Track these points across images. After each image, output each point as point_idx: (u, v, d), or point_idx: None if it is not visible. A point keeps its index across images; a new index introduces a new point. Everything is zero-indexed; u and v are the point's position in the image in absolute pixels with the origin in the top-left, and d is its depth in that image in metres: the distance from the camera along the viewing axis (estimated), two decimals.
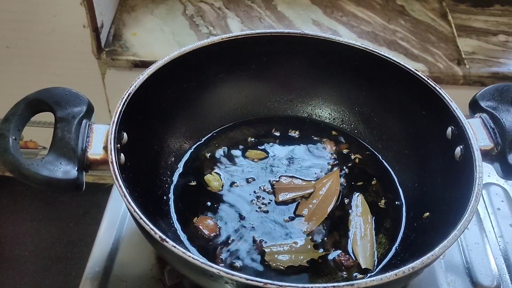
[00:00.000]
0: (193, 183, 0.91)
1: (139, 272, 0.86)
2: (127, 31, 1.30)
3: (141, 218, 0.66)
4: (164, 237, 0.64)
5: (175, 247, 0.63)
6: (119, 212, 0.93)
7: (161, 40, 1.27)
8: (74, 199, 1.40)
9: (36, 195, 1.45)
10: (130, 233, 0.91)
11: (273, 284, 0.59)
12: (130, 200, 0.68)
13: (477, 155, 0.76)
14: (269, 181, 0.92)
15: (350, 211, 0.89)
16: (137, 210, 0.67)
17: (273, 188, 0.91)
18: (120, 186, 0.69)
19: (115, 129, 0.76)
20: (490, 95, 0.86)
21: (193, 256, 0.62)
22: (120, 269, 0.86)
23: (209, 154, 0.96)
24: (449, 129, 0.84)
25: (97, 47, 1.22)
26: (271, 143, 0.99)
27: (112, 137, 0.75)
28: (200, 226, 0.84)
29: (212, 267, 0.61)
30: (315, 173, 0.95)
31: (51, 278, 1.24)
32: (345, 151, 0.99)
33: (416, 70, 0.89)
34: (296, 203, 0.89)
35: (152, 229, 0.65)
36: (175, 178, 0.92)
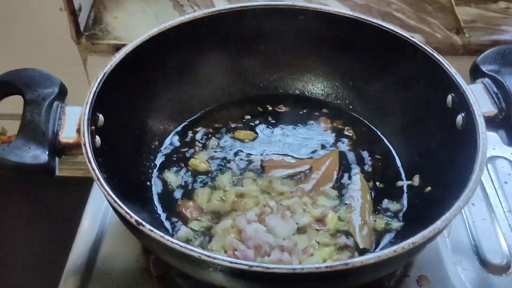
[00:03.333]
0: (178, 167, 0.86)
1: (125, 263, 0.81)
2: (108, 14, 1.25)
3: (115, 201, 0.61)
4: (140, 221, 0.59)
5: (152, 231, 0.58)
6: (102, 203, 0.89)
7: (144, 23, 1.23)
8: (63, 195, 1.36)
9: (23, 191, 1.42)
10: (114, 223, 0.86)
11: (259, 266, 0.54)
12: (104, 183, 0.63)
13: (480, 122, 0.71)
14: (261, 160, 0.87)
15: (348, 189, 0.83)
16: (111, 193, 0.61)
17: (262, 166, 0.86)
18: (93, 168, 0.64)
19: (89, 110, 0.72)
20: (491, 59, 0.81)
21: (172, 240, 0.57)
22: (105, 261, 0.81)
23: (195, 136, 0.91)
24: (449, 97, 0.79)
25: (76, 31, 1.17)
26: (261, 123, 0.94)
27: (86, 118, 0.70)
28: (183, 210, 0.79)
29: (193, 251, 0.56)
30: (309, 151, 0.89)
31: (40, 275, 1.20)
32: (340, 127, 0.94)
33: (412, 36, 0.84)
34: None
35: (127, 213, 0.60)
36: (159, 162, 0.87)
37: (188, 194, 0.83)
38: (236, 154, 0.89)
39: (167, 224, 0.78)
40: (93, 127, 0.71)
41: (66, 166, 1.46)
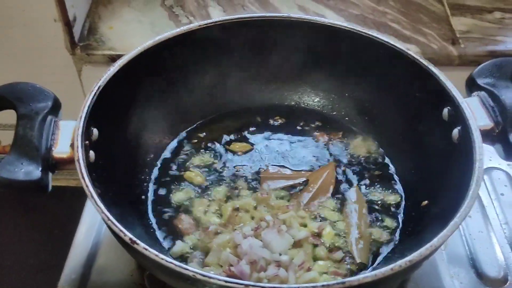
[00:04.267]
0: (173, 180, 0.86)
1: (119, 278, 0.80)
2: (103, 25, 1.24)
3: (109, 219, 0.60)
4: (134, 239, 0.58)
5: (146, 249, 0.57)
6: (97, 216, 0.87)
7: (139, 33, 1.23)
8: (59, 205, 1.35)
9: (19, 202, 1.40)
10: (109, 237, 0.85)
11: (255, 286, 0.53)
12: (97, 200, 0.62)
13: (476, 136, 0.71)
14: (257, 171, 0.87)
15: (344, 203, 0.83)
16: (105, 210, 0.61)
17: (258, 177, 0.86)
18: (86, 185, 0.63)
19: (83, 125, 0.71)
20: (487, 72, 0.81)
21: (167, 259, 0.56)
22: (99, 275, 0.80)
23: (191, 148, 0.90)
24: (445, 110, 0.78)
25: (70, 42, 1.16)
26: (256, 134, 0.93)
27: (80, 133, 0.69)
28: (179, 225, 0.78)
29: (188, 269, 0.55)
30: (305, 163, 0.89)
31: (36, 286, 1.19)
32: (336, 139, 0.93)
33: (408, 49, 0.84)
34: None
35: (121, 231, 0.59)
36: (154, 175, 0.86)
37: (184, 208, 0.82)
38: (231, 166, 0.88)
39: (162, 239, 0.77)
40: (87, 142, 0.70)
41: (62, 176, 1.45)
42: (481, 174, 0.66)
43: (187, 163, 0.88)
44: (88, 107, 0.73)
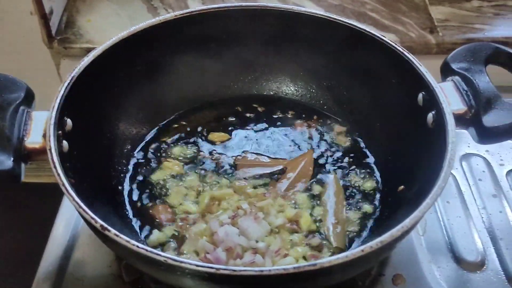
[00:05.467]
0: (151, 170, 0.85)
1: (97, 269, 0.80)
2: (81, 18, 1.23)
3: (80, 206, 0.60)
4: (105, 225, 0.58)
5: (117, 235, 0.56)
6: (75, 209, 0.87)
7: (118, 26, 1.22)
8: (39, 202, 1.34)
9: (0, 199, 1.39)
10: (87, 229, 0.83)
11: (226, 269, 0.53)
12: (68, 188, 0.62)
13: (449, 119, 0.71)
14: (234, 161, 0.87)
15: (322, 189, 0.83)
16: (76, 198, 0.60)
17: (235, 164, 0.86)
18: (58, 174, 0.63)
19: (56, 115, 0.70)
20: (461, 57, 0.81)
21: (138, 244, 0.56)
22: (76, 267, 0.80)
23: (169, 138, 0.90)
24: (420, 95, 0.79)
25: (47, 35, 1.15)
26: (235, 124, 0.93)
27: (52, 123, 0.69)
28: (156, 214, 0.78)
29: (159, 255, 0.55)
30: (284, 152, 0.89)
31: (16, 283, 1.18)
32: (315, 127, 0.93)
33: (383, 36, 0.84)
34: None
35: (92, 218, 0.58)
36: (131, 166, 0.86)
37: (161, 197, 0.82)
38: (210, 155, 0.88)
39: (138, 229, 0.77)
40: (60, 132, 0.70)
41: (44, 173, 1.44)
42: (454, 156, 0.67)
43: (165, 153, 0.88)
44: (61, 97, 0.72)
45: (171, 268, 0.56)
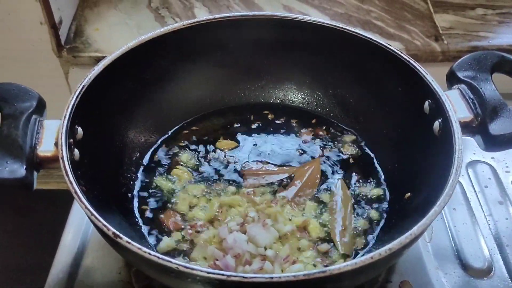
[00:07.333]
0: (160, 178, 0.86)
1: (107, 276, 0.80)
2: (89, 27, 1.25)
3: (92, 214, 0.60)
4: (117, 233, 0.58)
5: (129, 243, 0.57)
6: (84, 216, 0.87)
7: (126, 34, 1.23)
8: (49, 208, 1.35)
9: (8, 204, 1.40)
10: (96, 236, 0.85)
11: (237, 276, 0.54)
12: (81, 196, 0.63)
13: (456, 127, 0.72)
14: (242, 168, 0.87)
15: (330, 197, 0.84)
16: (88, 206, 0.61)
17: (242, 174, 0.86)
18: (70, 182, 0.64)
19: (67, 124, 0.71)
20: (467, 65, 0.82)
21: (150, 252, 0.57)
22: (86, 274, 0.81)
23: (177, 146, 0.91)
24: (426, 103, 0.79)
25: (56, 44, 1.17)
26: (242, 132, 0.94)
27: (64, 131, 0.70)
28: (165, 221, 0.79)
29: (171, 262, 0.56)
30: (291, 160, 0.90)
31: None
32: (321, 135, 0.94)
33: (389, 44, 0.85)
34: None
35: (104, 225, 0.59)
36: (140, 174, 0.87)
37: (170, 204, 0.83)
38: (217, 163, 0.89)
39: (148, 236, 0.78)
40: (71, 140, 0.71)
41: (52, 179, 1.45)
42: (460, 164, 0.67)
43: (174, 161, 0.89)
44: (72, 106, 0.73)
45: (182, 275, 0.57)
